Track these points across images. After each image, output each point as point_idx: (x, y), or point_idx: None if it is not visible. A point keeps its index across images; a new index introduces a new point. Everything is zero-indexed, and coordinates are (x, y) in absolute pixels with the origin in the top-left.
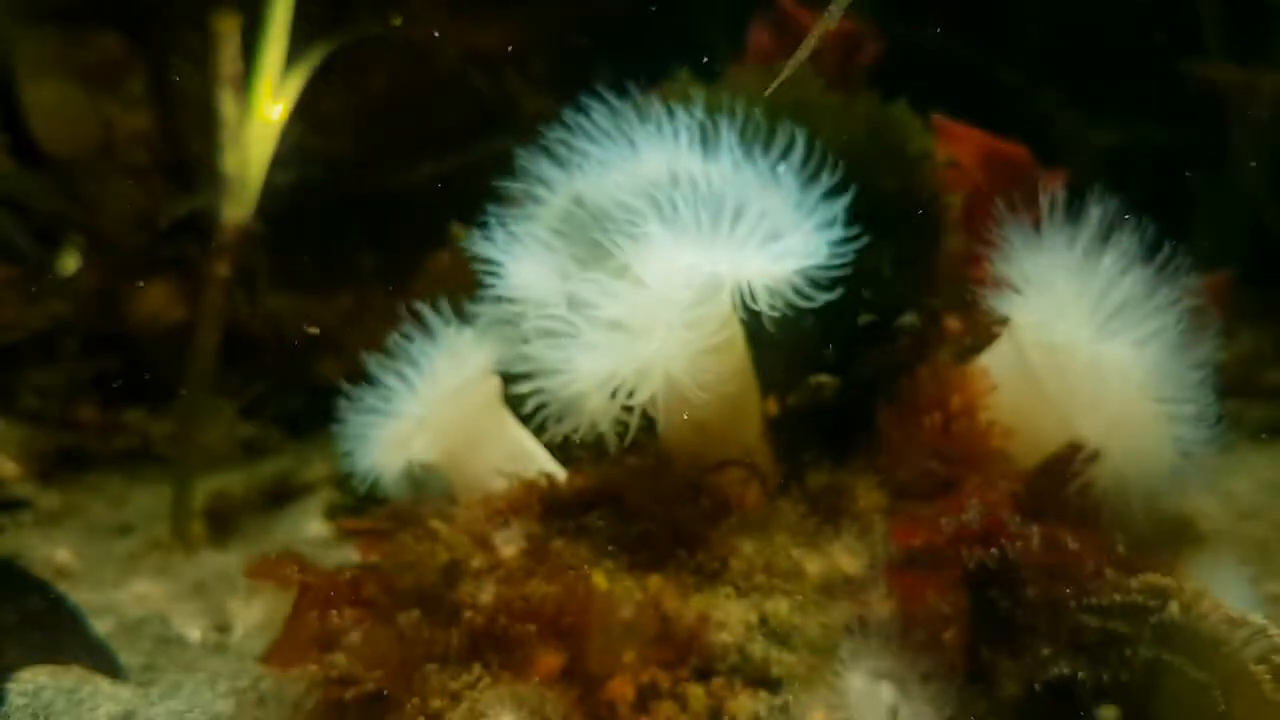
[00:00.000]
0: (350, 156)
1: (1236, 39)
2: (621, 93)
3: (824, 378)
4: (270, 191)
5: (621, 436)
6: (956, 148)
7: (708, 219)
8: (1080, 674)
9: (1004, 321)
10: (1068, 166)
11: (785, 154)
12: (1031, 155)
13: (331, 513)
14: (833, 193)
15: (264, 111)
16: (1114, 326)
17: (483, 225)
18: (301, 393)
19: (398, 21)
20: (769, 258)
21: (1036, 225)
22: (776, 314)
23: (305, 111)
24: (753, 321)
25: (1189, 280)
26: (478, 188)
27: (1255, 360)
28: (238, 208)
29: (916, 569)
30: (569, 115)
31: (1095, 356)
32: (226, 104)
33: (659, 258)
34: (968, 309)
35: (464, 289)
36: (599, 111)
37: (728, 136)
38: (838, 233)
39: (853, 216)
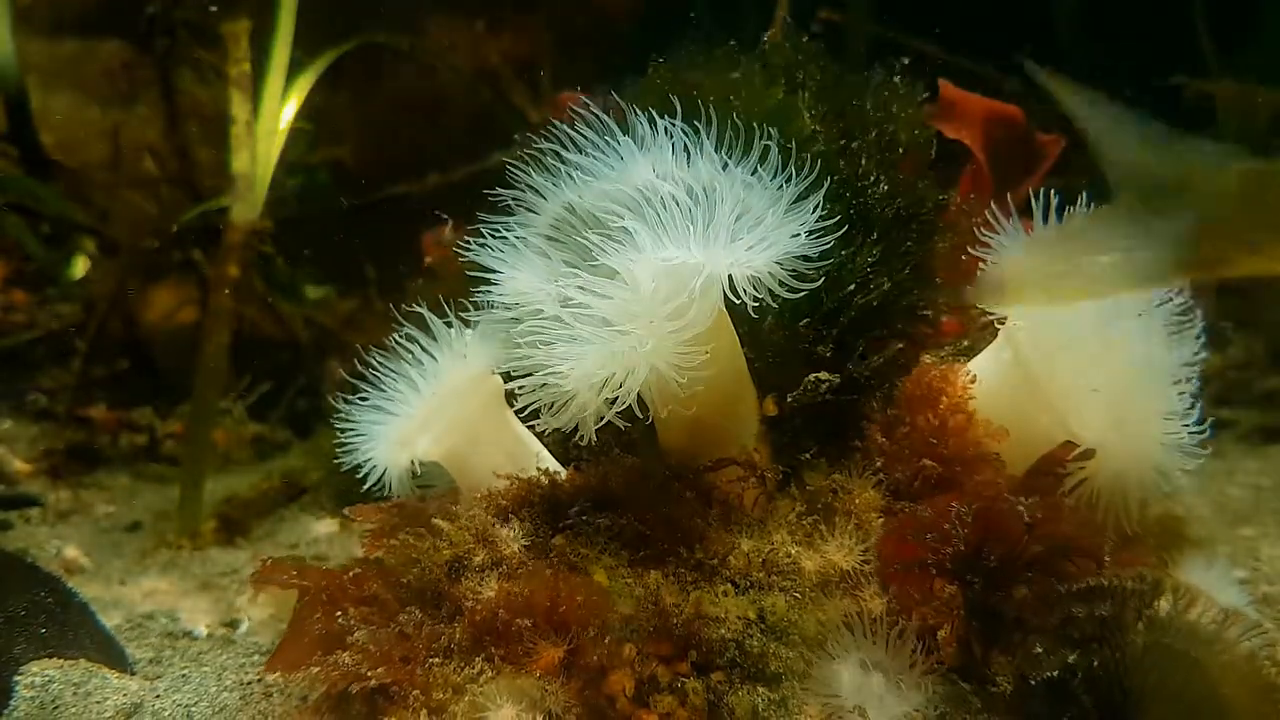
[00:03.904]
0: (358, 165)
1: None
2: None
3: (824, 374)
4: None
5: (622, 433)
6: (960, 114)
7: (688, 218)
8: (1071, 665)
9: (1000, 321)
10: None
11: (765, 154)
12: (1027, 118)
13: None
14: (812, 189)
15: (272, 112)
16: (1110, 327)
17: (479, 233)
18: (310, 393)
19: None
20: (746, 248)
21: (1033, 194)
22: (763, 307)
23: (314, 120)
24: (748, 325)
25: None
26: (481, 197)
27: (1248, 367)
28: (246, 208)
29: (910, 569)
30: (560, 127)
31: (1091, 357)
32: (235, 105)
33: (641, 256)
34: (964, 307)
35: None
36: (588, 122)
37: (706, 139)
38: (815, 225)
39: (839, 214)
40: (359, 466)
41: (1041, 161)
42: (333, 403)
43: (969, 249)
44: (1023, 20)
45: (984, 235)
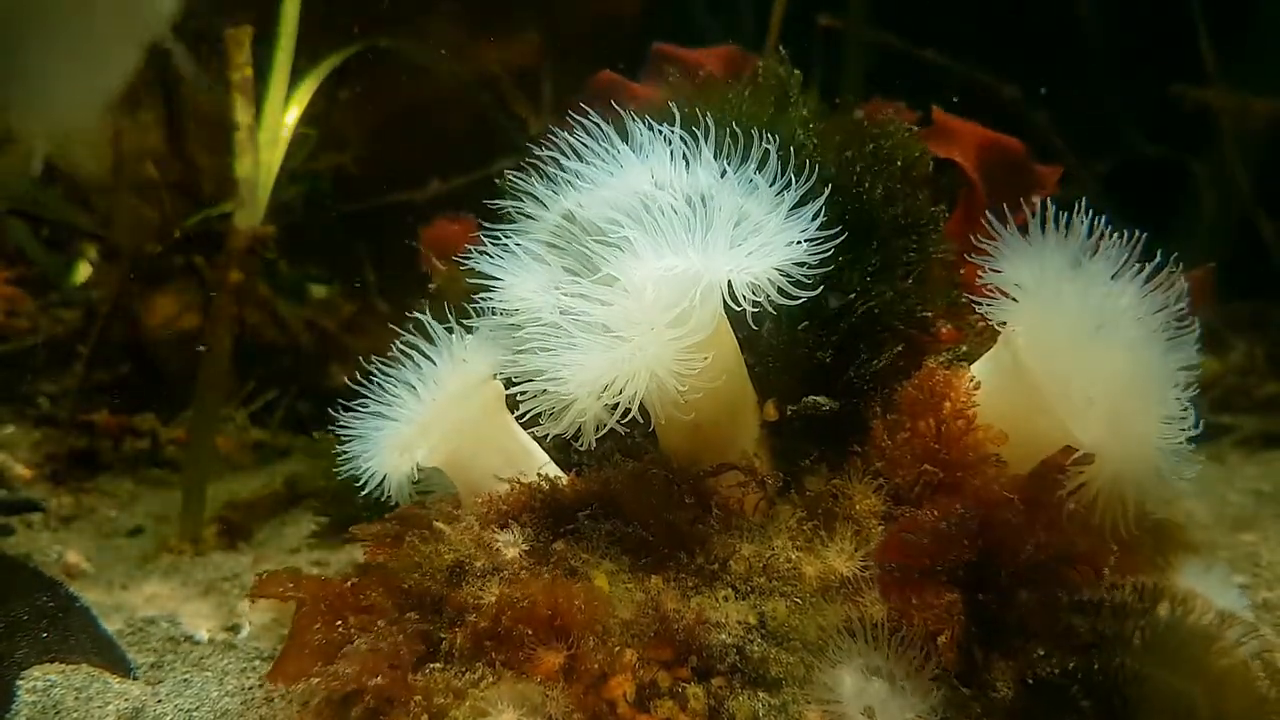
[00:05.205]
0: (360, 172)
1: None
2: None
3: (822, 399)
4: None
5: (623, 439)
6: (954, 140)
7: (687, 225)
8: (1072, 670)
9: (1000, 327)
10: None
11: (763, 162)
12: (1026, 149)
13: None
14: (810, 197)
15: (275, 117)
16: (1107, 331)
17: (481, 239)
18: (312, 398)
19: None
20: (745, 255)
21: (1030, 222)
22: (763, 313)
23: (317, 127)
24: (747, 330)
25: (1177, 282)
26: (482, 203)
27: (1248, 373)
28: (249, 214)
29: (909, 575)
30: (560, 135)
31: (1089, 360)
32: (238, 110)
33: (641, 264)
34: (961, 315)
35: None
36: (588, 131)
37: (705, 148)
38: (814, 232)
39: (840, 223)
40: (358, 472)
41: (1038, 191)
42: (336, 408)
43: (967, 256)
44: (1022, 27)
45: (982, 243)
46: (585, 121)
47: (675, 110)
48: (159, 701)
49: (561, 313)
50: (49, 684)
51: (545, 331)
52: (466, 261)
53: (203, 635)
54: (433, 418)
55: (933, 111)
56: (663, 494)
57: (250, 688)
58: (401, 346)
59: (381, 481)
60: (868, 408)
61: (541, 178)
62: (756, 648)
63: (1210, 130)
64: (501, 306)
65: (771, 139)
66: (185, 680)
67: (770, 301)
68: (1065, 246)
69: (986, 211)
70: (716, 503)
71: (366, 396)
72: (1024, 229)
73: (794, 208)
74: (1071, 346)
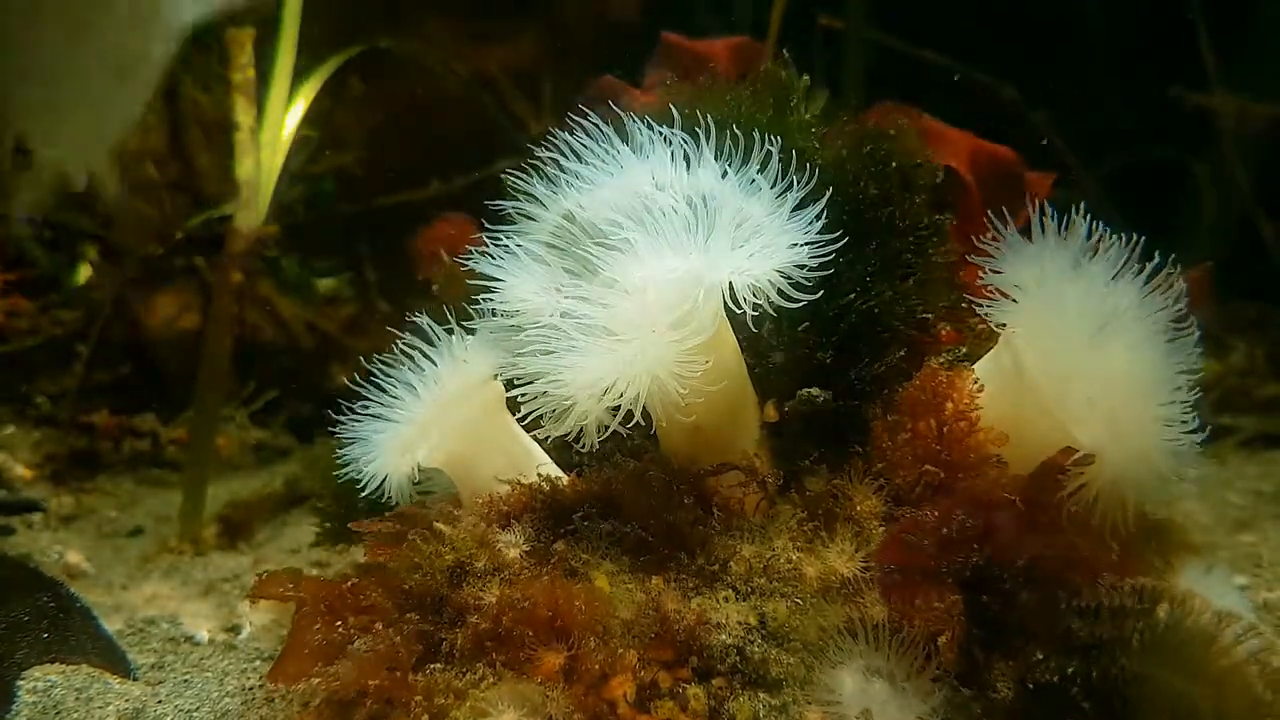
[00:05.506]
0: (362, 172)
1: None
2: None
3: (815, 390)
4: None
5: (624, 439)
6: (946, 150)
7: (688, 227)
8: (1072, 673)
9: (999, 328)
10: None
11: (764, 165)
12: (1019, 157)
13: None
14: (810, 199)
15: (276, 118)
16: (1107, 332)
17: (481, 240)
18: (312, 399)
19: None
20: (746, 257)
21: (1027, 227)
22: (764, 315)
23: (319, 128)
24: (748, 331)
25: (1176, 283)
26: (482, 204)
27: (1249, 374)
28: (250, 215)
29: (910, 576)
30: (560, 136)
31: (1089, 361)
32: (239, 111)
33: (641, 265)
34: (961, 317)
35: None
36: (588, 131)
37: (707, 149)
38: (815, 235)
39: (839, 225)
40: (359, 473)
41: (1029, 200)
42: (336, 409)
43: (966, 258)
44: (1022, 28)
45: (982, 244)
46: (586, 122)
47: (676, 112)
48: (159, 702)
49: (562, 315)
50: (49, 684)
51: (546, 333)
52: (466, 263)
53: (203, 636)
54: (433, 418)
55: (923, 119)
56: (663, 494)
57: (251, 688)
58: (402, 347)
59: (382, 482)
60: (868, 408)
61: (542, 178)
62: (757, 648)
63: (1210, 131)
64: (502, 308)
65: (773, 140)
66: (186, 681)
67: (770, 303)
68: (1065, 248)
69: (983, 214)
70: (717, 503)
71: (367, 397)
72: (1024, 231)
73: (794, 210)
74: (1071, 348)
